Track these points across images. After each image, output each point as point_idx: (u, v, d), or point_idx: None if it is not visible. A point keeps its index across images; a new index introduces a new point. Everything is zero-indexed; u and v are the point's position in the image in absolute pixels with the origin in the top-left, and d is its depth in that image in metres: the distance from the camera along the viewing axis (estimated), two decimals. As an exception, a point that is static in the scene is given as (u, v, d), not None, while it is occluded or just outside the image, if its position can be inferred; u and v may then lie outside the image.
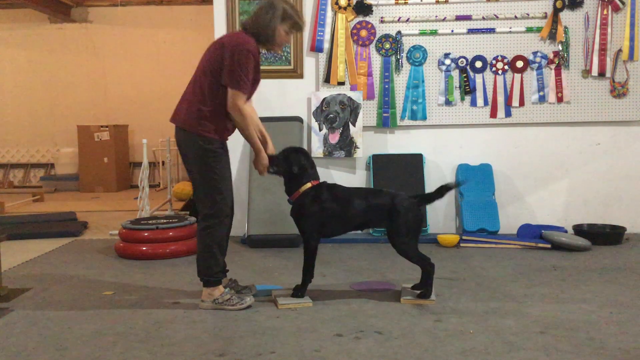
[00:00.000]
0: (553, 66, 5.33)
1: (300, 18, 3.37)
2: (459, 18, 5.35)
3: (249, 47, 3.25)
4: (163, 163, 9.26)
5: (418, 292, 3.50)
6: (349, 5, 5.33)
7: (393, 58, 5.39)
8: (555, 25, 5.29)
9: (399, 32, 5.36)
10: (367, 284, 3.87)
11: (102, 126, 9.69)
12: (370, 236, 5.25)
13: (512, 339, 2.89)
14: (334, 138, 5.36)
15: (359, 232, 5.42)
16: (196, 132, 3.30)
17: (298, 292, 3.48)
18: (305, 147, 5.44)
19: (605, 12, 5.25)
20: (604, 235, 5.11)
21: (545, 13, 5.31)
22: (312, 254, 3.46)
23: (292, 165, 3.46)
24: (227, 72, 3.24)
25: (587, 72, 5.34)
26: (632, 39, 5.25)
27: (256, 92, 5.25)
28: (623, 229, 5.18)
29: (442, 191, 3.52)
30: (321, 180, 3.55)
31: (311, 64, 5.45)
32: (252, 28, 3.32)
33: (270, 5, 3.31)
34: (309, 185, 3.47)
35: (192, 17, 10.27)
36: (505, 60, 5.36)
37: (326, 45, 5.38)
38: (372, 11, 5.35)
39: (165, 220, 4.93)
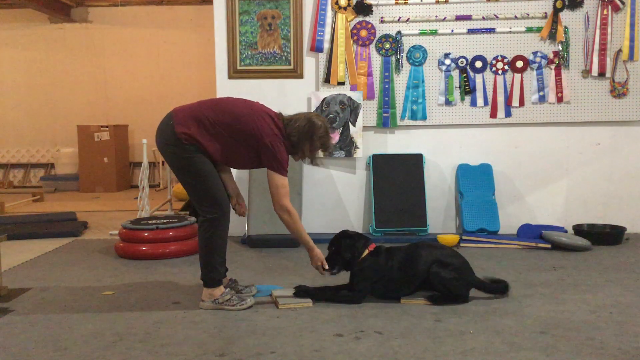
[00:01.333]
0: (553, 66, 5.33)
1: (329, 140, 3.52)
2: (459, 18, 5.35)
3: (281, 141, 3.37)
4: (163, 163, 9.26)
5: (430, 294, 3.46)
6: (349, 5, 5.33)
7: (393, 58, 5.39)
8: (555, 25, 5.29)
9: (399, 32, 5.36)
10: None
11: (102, 126, 9.69)
12: (371, 236, 5.24)
13: (512, 339, 2.89)
14: (334, 138, 5.36)
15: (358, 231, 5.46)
16: (180, 136, 3.29)
17: (301, 291, 3.52)
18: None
19: (605, 12, 5.24)
20: (604, 235, 5.10)
21: (545, 13, 5.31)
22: (348, 301, 3.45)
23: (344, 255, 3.50)
24: (267, 158, 3.32)
25: (587, 72, 5.34)
26: (632, 39, 5.25)
27: (257, 92, 5.30)
28: (623, 229, 5.18)
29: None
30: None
31: (311, 64, 5.45)
32: (290, 132, 3.40)
33: (308, 120, 3.43)
34: (366, 252, 3.50)
35: (192, 17, 10.27)
36: (505, 60, 5.36)
37: (326, 45, 5.38)
38: (372, 11, 5.34)
39: (165, 220, 4.93)
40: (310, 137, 3.42)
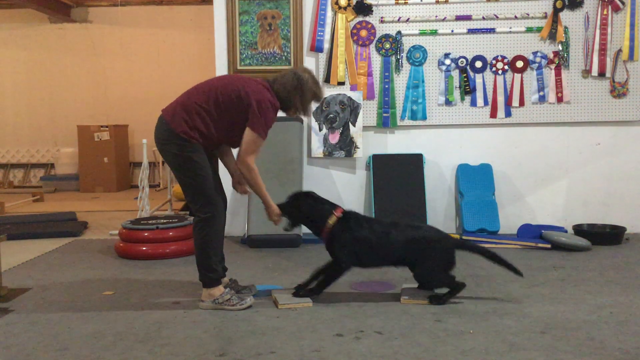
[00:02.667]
0: (553, 66, 5.33)
1: (319, 90, 3.57)
2: (459, 18, 5.35)
3: (273, 101, 3.42)
4: (163, 163, 9.26)
5: (431, 294, 3.46)
6: (349, 5, 5.33)
7: (393, 58, 5.39)
8: (555, 25, 5.29)
9: (399, 32, 5.36)
10: (368, 284, 3.87)
11: (102, 126, 9.69)
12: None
13: (512, 339, 2.89)
14: (334, 138, 5.36)
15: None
16: (178, 131, 3.31)
17: (300, 290, 3.52)
18: (304, 146, 5.44)
19: (605, 12, 5.24)
20: (604, 235, 5.10)
21: (545, 13, 5.31)
22: (338, 275, 3.45)
23: (300, 214, 3.51)
24: (251, 116, 3.33)
25: (587, 72, 5.34)
26: (632, 39, 5.25)
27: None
28: (623, 229, 5.18)
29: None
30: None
31: (311, 64, 5.44)
32: (277, 89, 3.46)
33: (294, 74, 3.49)
34: (334, 218, 3.46)
35: (192, 17, 10.26)
36: (505, 60, 5.36)
37: (326, 45, 5.38)
38: (372, 11, 5.34)
39: (165, 220, 4.93)
40: (300, 90, 3.45)
